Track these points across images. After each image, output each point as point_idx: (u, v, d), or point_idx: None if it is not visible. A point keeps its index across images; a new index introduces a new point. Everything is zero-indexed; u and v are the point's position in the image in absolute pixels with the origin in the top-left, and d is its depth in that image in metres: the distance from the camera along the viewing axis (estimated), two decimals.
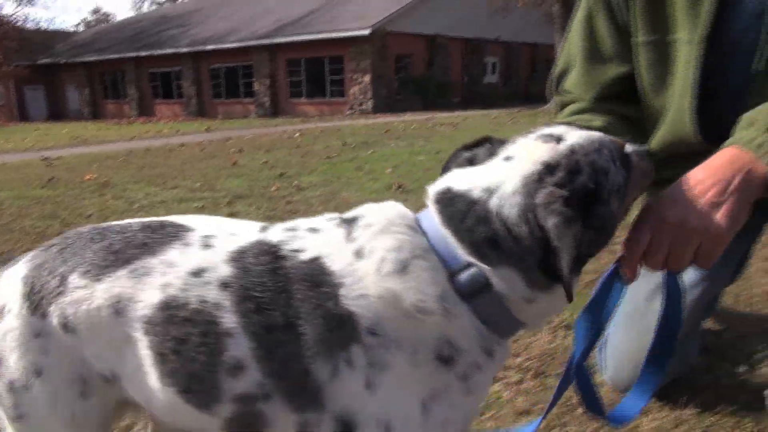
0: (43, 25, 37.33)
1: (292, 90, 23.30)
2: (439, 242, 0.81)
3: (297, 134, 11.22)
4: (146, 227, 0.89)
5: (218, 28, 25.69)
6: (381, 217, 0.84)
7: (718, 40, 1.14)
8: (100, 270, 0.84)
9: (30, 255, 0.92)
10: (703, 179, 0.90)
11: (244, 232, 0.89)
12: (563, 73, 1.40)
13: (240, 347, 0.79)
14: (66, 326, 0.84)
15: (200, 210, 4.43)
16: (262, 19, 24.64)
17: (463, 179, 0.85)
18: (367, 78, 20.93)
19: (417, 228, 0.83)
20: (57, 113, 30.45)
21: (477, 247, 0.79)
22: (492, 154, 0.87)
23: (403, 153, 7.36)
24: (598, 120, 1.27)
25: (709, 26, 1.13)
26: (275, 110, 23.38)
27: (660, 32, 1.21)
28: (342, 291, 0.78)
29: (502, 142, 0.89)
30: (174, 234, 0.87)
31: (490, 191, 0.81)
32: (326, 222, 0.88)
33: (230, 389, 0.81)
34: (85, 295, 0.83)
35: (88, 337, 0.84)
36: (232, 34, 24.36)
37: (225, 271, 0.82)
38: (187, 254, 0.84)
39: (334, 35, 20.67)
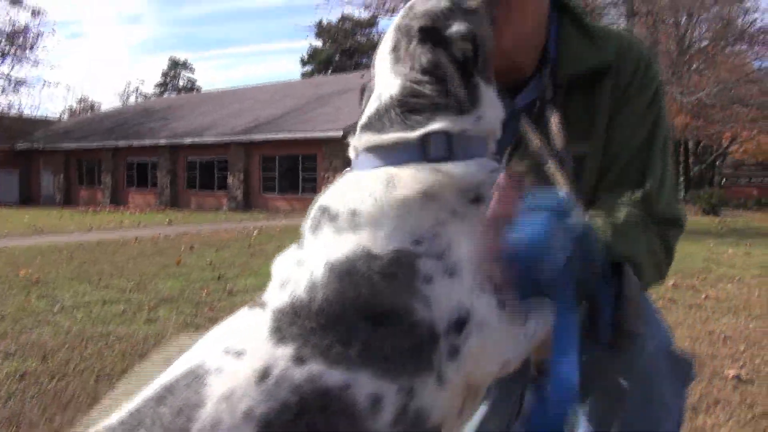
0: (27, 111, 37.89)
1: (266, 185, 23.76)
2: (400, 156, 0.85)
3: (256, 232, 11.34)
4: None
5: (198, 123, 26.56)
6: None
7: None
8: None
9: None
10: None
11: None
12: None
13: None
14: None
15: (120, 314, 4.39)
16: (240, 118, 25.60)
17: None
18: (338, 176, 21.51)
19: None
20: (29, 198, 30.36)
21: (403, 121, 0.86)
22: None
23: None
24: None
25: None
26: (247, 204, 23.68)
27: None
28: None
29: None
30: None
31: (380, 96, 0.90)
32: None
33: None
34: None
35: None
36: (210, 129, 25.16)
37: None
38: None
39: (308, 135, 21.49)
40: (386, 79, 0.89)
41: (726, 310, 4.67)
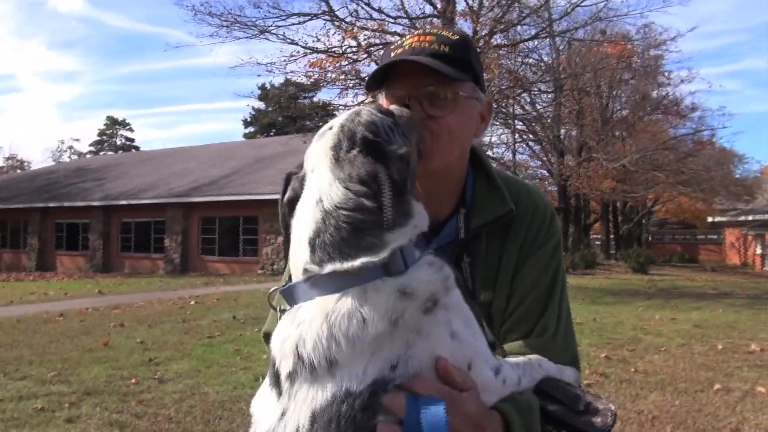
0: None
1: (204, 247, 23.18)
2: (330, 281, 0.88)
3: (192, 302, 10.95)
4: None
5: (134, 184, 25.87)
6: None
7: None
8: None
9: None
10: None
11: None
12: (271, 326, 1.45)
13: None
14: None
15: (38, 412, 4.08)
16: (181, 179, 25.16)
17: (299, 229, 0.94)
18: (280, 239, 21.30)
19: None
20: None
21: (360, 243, 0.88)
22: (302, 182, 0.99)
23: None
24: None
25: None
26: (185, 267, 22.94)
27: None
28: None
29: (300, 167, 1.01)
30: None
31: (320, 202, 0.91)
32: None
33: None
34: None
35: None
36: (148, 190, 24.54)
37: None
38: None
39: (250, 197, 21.32)
40: (324, 179, 0.92)
41: (654, 386, 4.85)
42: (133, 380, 4.96)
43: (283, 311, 0.96)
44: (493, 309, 1.25)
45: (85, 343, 6.73)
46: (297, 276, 0.93)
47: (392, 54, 1.23)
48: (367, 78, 1.31)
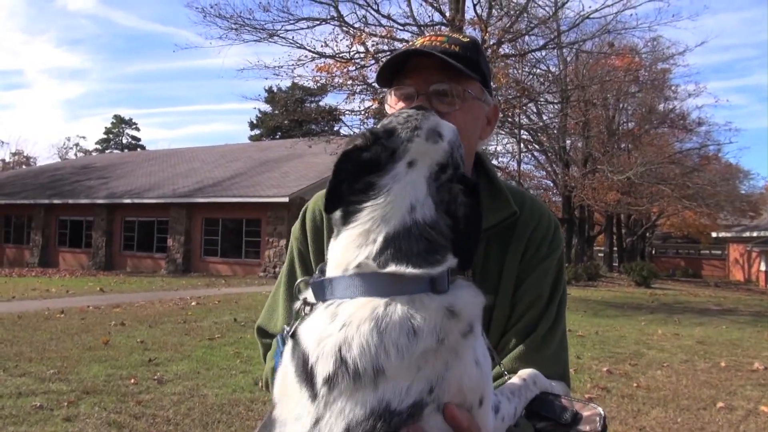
0: None
1: (207, 248, 23.18)
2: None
3: (193, 303, 10.94)
4: None
5: (139, 183, 25.92)
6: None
7: None
8: None
9: None
10: None
11: None
12: (267, 321, 1.41)
13: None
14: None
15: (36, 410, 4.06)
16: (185, 179, 25.21)
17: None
18: (282, 242, 21.30)
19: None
20: None
21: (428, 258, 0.87)
22: (390, 158, 0.92)
23: None
24: None
25: None
26: (187, 267, 22.93)
27: None
28: None
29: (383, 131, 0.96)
30: None
31: (413, 211, 0.89)
32: None
33: None
34: None
35: None
36: (152, 189, 24.58)
37: None
38: None
39: (254, 199, 21.33)
40: (420, 189, 0.91)
41: (656, 402, 4.81)
42: (132, 380, 4.94)
43: (308, 304, 0.91)
44: (494, 315, 1.25)
45: (86, 341, 6.72)
46: (339, 268, 0.89)
47: None
48: (377, 72, 1.30)
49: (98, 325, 7.92)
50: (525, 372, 1.13)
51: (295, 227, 1.41)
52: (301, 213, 1.43)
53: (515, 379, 1.09)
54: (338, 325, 0.83)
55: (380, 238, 0.87)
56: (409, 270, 0.85)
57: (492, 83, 1.38)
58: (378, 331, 0.81)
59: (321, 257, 1.31)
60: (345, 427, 0.79)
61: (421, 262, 0.86)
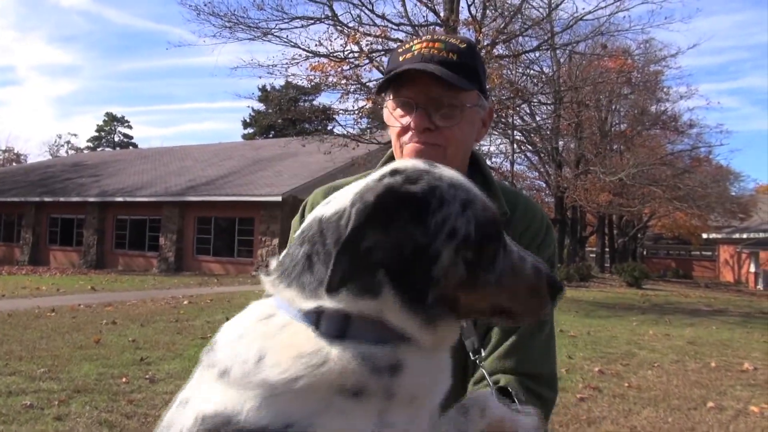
0: None
1: (199, 246, 23.09)
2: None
3: (185, 302, 10.89)
4: None
5: (131, 181, 25.78)
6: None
7: None
8: None
9: None
10: None
11: None
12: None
13: None
14: None
15: (27, 409, 4.03)
16: (177, 177, 25.10)
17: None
18: (275, 241, 21.25)
19: None
20: None
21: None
22: None
23: None
24: None
25: None
26: (179, 266, 22.83)
27: None
28: None
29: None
30: None
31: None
32: None
33: None
34: None
35: None
36: (144, 188, 24.46)
37: None
38: None
39: (247, 198, 21.27)
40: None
41: (647, 402, 4.85)
42: (124, 379, 4.91)
43: None
44: None
45: (77, 340, 6.68)
46: None
47: (400, 58, 1.25)
48: (377, 83, 1.31)
49: (89, 324, 7.87)
50: (475, 395, 0.97)
51: (295, 221, 1.43)
52: (301, 207, 1.45)
53: (456, 408, 0.91)
54: None
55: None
56: (287, 292, 0.82)
57: (486, 84, 1.40)
58: (258, 336, 0.82)
59: None
60: (196, 414, 0.76)
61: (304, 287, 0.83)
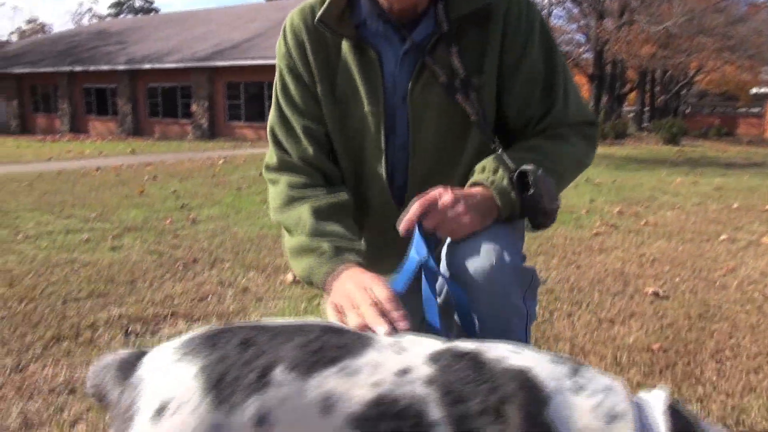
0: None
1: (231, 113, 23.28)
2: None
3: (221, 161, 11.30)
4: (329, 330, 0.88)
5: (157, 48, 25.46)
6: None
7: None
8: (307, 367, 0.81)
9: (184, 346, 0.84)
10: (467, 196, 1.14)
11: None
12: (291, 148, 1.40)
13: None
14: (262, 421, 0.78)
15: (84, 242, 4.50)
16: (203, 42, 24.62)
17: None
18: None
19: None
20: None
21: None
22: None
23: None
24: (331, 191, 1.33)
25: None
26: (213, 132, 23.26)
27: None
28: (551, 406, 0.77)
29: None
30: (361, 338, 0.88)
31: None
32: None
33: None
34: (293, 390, 0.79)
35: None
36: (171, 54, 24.19)
37: (427, 370, 0.82)
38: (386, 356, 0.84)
39: (274, 61, 20.89)
40: None
41: (661, 235, 5.03)
42: (168, 221, 5.34)
43: None
44: (483, 96, 1.30)
45: (122, 191, 7.15)
46: None
47: None
48: None
49: (132, 180, 8.35)
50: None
51: (279, 45, 1.39)
52: (281, 30, 1.39)
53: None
54: None
55: None
56: None
57: None
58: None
59: (308, 70, 1.36)
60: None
61: None
